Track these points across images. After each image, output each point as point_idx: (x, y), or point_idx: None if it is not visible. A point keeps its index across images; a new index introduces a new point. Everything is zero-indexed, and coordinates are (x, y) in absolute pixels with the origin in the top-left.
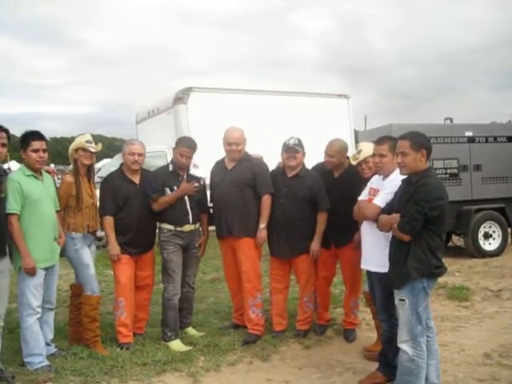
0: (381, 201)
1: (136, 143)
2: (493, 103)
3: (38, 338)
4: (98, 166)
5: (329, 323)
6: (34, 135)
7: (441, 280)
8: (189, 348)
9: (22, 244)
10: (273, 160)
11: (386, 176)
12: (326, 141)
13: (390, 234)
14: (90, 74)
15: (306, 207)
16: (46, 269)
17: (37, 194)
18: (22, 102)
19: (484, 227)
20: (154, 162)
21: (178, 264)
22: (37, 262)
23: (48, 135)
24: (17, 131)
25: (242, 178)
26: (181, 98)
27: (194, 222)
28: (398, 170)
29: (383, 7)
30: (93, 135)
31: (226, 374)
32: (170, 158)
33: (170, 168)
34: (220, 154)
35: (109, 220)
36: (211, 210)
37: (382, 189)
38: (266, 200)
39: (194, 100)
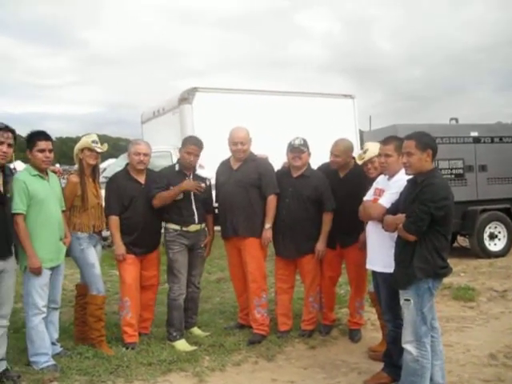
0: (386, 201)
1: (142, 143)
2: (497, 103)
3: (44, 338)
4: (103, 166)
5: (334, 323)
6: (40, 135)
7: (446, 280)
8: (194, 348)
9: (28, 244)
10: (278, 160)
11: (391, 176)
12: (331, 141)
13: (395, 235)
14: (92, 74)
15: (312, 207)
16: (52, 269)
17: (43, 194)
18: (25, 102)
19: (489, 228)
20: (159, 162)
21: (184, 264)
22: (42, 261)
23: (53, 135)
24: (22, 131)
25: (248, 178)
26: (186, 98)
27: (200, 222)
28: (403, 170)
29: (388, 7)
30: (98, 135)
31: (231, 374)
32: (175, 158)
33: (177, 168)
34: (225, 154)
35: (114, 220)
36: (216, 210)
37: (388, 189)
38: (272, 200)
39: (199, 100)
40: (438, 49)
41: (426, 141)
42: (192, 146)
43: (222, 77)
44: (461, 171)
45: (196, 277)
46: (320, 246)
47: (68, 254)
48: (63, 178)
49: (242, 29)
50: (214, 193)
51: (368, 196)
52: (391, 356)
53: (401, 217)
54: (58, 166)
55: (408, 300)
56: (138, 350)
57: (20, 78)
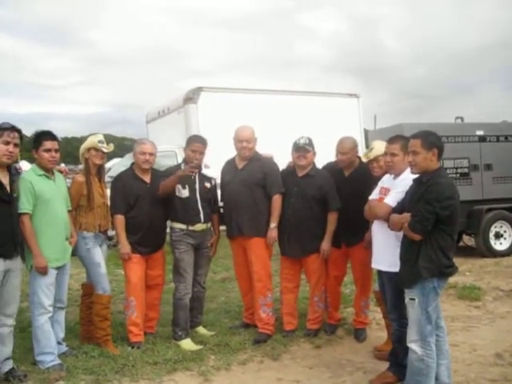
0: (392, 200)
1: (147, 143)
2: (504, 102)
3: (50, 337)
4: (108, 165)
5: (339, 323)
6: (46, 135)
7: (451, 280)
8: (199, 347)
9: (34, 243)
10: (283, 159)
11: (397, 175)
12: (336, 140)
13: (400, 234)
14: (97, 74)
15: (317, 207)
16: (58, 268)
17: (49, 194)
18: (30, 102)
19: (495, 227)
20: (164, 162)
21: (190, 263)
22: (48, 261)
23: (58, 135)
24: (27, 131)
25: (253, 178)
26: (191, 97)
27: (206, 222)
28: (409, 170)
29: (393, 7)
30: (103, 135)
31: (237, 373)
32: (180, 158)
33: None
34: (230, 153)
35: (120, 218)
36: (221, 210)
37: (393, 188)
38: (277, 199)
39: (204, 100)
40: (444, 48)
41: (431, 140)
42: (196, 143)
43: (227, 77)
44: (466, 170)
45: (202, 276)
46: (325, 245)
47: (74, 253)
48: (68, 178)
49: (247, 29)
50: (218, 192)
51: (374, 195)
52: (397, 355)
53: (406, 216)
54: (63, 165)
55: (413, 299)
56: (144, 350)
57: (25, 78)
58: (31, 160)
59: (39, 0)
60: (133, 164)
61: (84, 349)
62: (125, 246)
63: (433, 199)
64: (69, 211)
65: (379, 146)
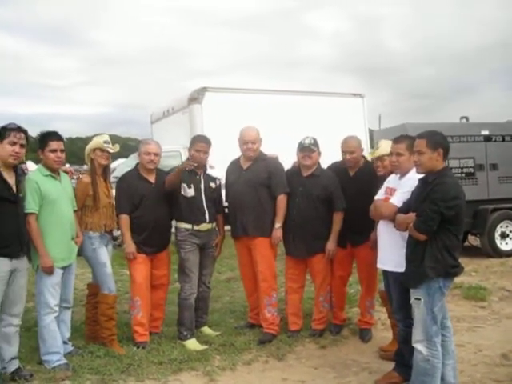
0: (397, 200)
1: (152, 143)
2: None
3: (56, 337)
4: (112, 165)
5: (344, 323)
6: (52, 136)
7: (457, 280)
8: (205, 347)
9: (40, 243)
10: (288, 159)
11: (402, 175)
12: (340, 140)
13: (406, 234)
14: (101, 74)
15: (322, 206)
16: (64, 268)
17: (55, 194)
18: (33, 102)
19: (501, 227)
20: (168, 162)
21: (195, 263)
22: (54, 261)
23: (62, 135)
24: (31, 132)
25: (258, 178)
26: (195, 97)
27: (211, 221)
28: (414, 169)
29: (397, 6)
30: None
31: (242, 373)
32: (184, 158)
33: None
34: (235, 153)
35: (125, 218)
36: (226, 210)
37: (399, 188)
38: (282, 200)
39: (209, 100)
40: (448, 47)
41: (437, 140)
42: (200, 143)
43: (231, 76)
44: (471, 170)
45: (207, 276)
46: (330, 245)
47: (80, 253)
48: (73, 178)
49: (251, 29)
50: (223, 192)
51: (379, 195)
52: (402, 355)
53: (412, 216)
54: (68, 165)
55: (419, 299)
56: (149, 349)
57: (28, 78)
58: (36, 161)
59: (39, 0)
60: (137, 164)
61: (90, 348)
62: (130, 246)
63: (438, 199)
64: (74, 211)
65: (385, 146)
